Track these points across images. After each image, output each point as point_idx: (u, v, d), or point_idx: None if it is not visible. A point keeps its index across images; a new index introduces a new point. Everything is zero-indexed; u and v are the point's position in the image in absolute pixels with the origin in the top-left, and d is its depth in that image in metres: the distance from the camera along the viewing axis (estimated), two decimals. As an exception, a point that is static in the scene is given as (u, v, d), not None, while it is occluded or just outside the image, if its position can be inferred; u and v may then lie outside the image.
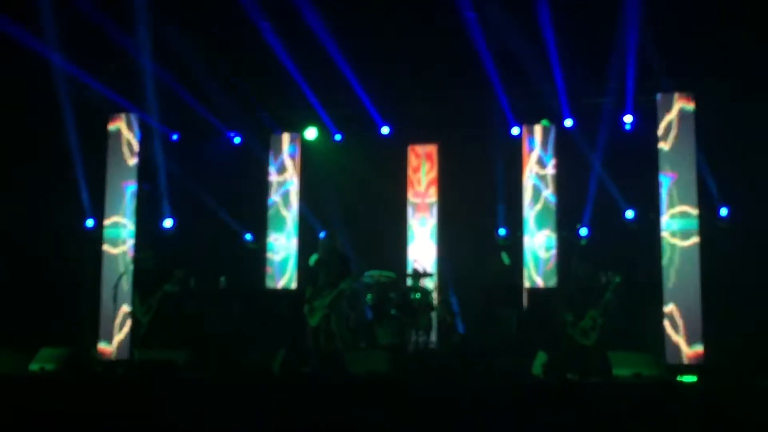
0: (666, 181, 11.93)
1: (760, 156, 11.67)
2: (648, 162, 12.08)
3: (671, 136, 12.01)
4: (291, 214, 13.86)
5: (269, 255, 13.69)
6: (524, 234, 13.03)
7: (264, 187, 13.98)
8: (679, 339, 11.41)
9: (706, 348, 11.36)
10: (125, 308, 11.84)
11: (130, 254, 12.47)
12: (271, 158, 14.03)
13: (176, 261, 12.07)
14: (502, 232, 13.21)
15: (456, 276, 13.33)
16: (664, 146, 11.99)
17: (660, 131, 12.07)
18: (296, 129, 14.03)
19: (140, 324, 11.18)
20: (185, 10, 11.57)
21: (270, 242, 13.75)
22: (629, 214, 12.70)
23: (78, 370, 9.74)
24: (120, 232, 12.69)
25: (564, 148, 13.12)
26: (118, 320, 12.12)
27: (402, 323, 11.99)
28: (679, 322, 11.43)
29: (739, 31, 11.21)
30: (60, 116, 12.70)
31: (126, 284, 11.62)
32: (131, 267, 12.05)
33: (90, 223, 13.47)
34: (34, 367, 9.73)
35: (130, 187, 12.94)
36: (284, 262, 13.70)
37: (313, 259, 11.36)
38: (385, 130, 13.77)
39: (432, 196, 13.86)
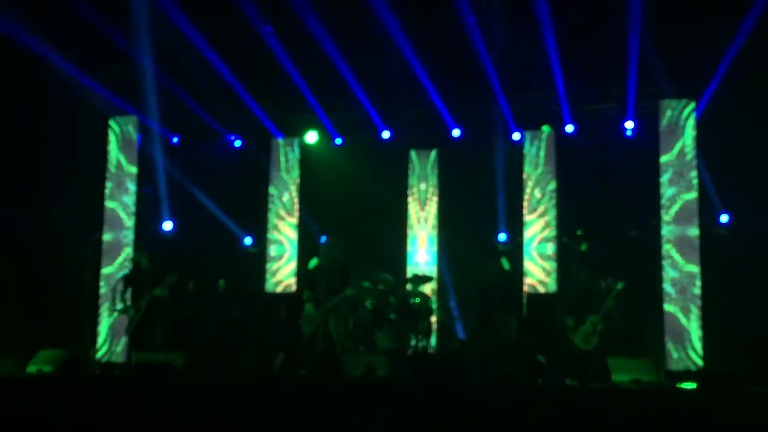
0: (667, 188, 11.94)
1: (762, 162, 11.63)
2: (649, 168, 12.08)
3: (672, 142, 12.03)
4: (291, 218, 13.86)
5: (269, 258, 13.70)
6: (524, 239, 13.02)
7: (264, 191, 13.96)
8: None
9: (705, 355, 11.34)
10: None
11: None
12: (271, 161, 14.02)
13: (175, 264, 12.05)
14: (502, 237, 13.15)
15: (456, 281, 13.30)
16: (665, 152, 12.02)
17: (661, 137, 12.09)
18: (297, 133, 14.01)
19: (129, 323, 11.15)
20: (186, 12, 11.57)
21: (269, 246, 13.75)
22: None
23: (76, 371, 9.72)
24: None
25: (565, 153, 13.09)
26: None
27: (401, 328, 11.96)
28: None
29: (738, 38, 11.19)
30: (60, 118, 12.71)
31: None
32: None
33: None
34: (32, 368, 9.72)
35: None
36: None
37: (313, 262, 11.33)
38: (385, 134, 13.75)
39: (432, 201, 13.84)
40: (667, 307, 11.65)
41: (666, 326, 11.62)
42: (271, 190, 13.94)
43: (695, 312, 11.54)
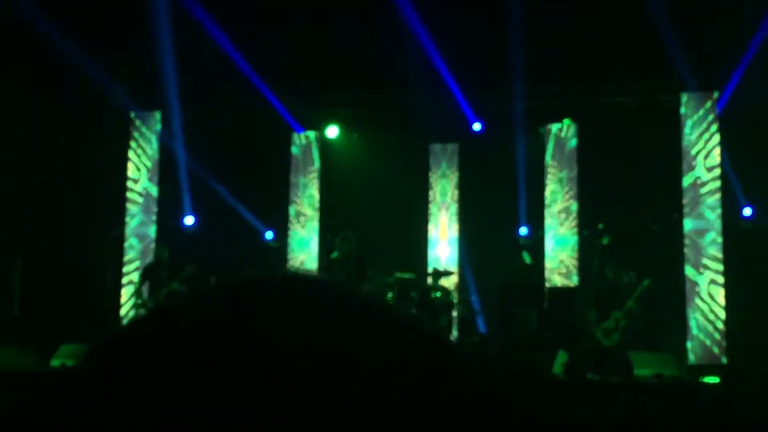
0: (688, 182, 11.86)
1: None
2: (671, 162, 12.01)
3: (695, 136, 11.95)
4: (312, 212, 13.88)
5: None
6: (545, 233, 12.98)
7: (285, 185, 13.96)
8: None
9: (728, 349, 11.26)
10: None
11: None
12: (292, 156, 14.02)
13: (197, 259, 12.06)
14: (523, 231, 13.06)
15: (476, 275, 13.25)
16: (687, 146, 11.95)
17: (683, 131, 12.01)
18: (317, 127, 13.99)
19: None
20: (207, 8, 11.59)
21: (291, 240, 13.77)
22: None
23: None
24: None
25: (586, 147, 13.03)
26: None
27: (422, 322, 11.91)
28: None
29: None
30: (82, 113, 12.74)
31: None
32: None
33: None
34: (55, 363, 9.76)
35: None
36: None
37: (334, 255, 11.33)
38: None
39: (453, 195, 13.80)
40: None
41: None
42: (293, 184, 13.95)
43: (719, 306, 11.47)
